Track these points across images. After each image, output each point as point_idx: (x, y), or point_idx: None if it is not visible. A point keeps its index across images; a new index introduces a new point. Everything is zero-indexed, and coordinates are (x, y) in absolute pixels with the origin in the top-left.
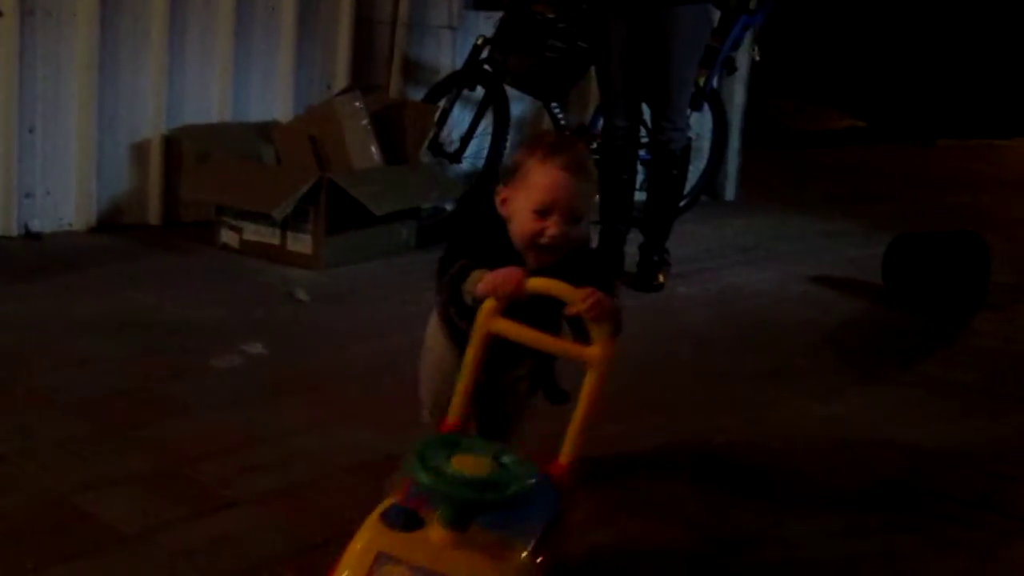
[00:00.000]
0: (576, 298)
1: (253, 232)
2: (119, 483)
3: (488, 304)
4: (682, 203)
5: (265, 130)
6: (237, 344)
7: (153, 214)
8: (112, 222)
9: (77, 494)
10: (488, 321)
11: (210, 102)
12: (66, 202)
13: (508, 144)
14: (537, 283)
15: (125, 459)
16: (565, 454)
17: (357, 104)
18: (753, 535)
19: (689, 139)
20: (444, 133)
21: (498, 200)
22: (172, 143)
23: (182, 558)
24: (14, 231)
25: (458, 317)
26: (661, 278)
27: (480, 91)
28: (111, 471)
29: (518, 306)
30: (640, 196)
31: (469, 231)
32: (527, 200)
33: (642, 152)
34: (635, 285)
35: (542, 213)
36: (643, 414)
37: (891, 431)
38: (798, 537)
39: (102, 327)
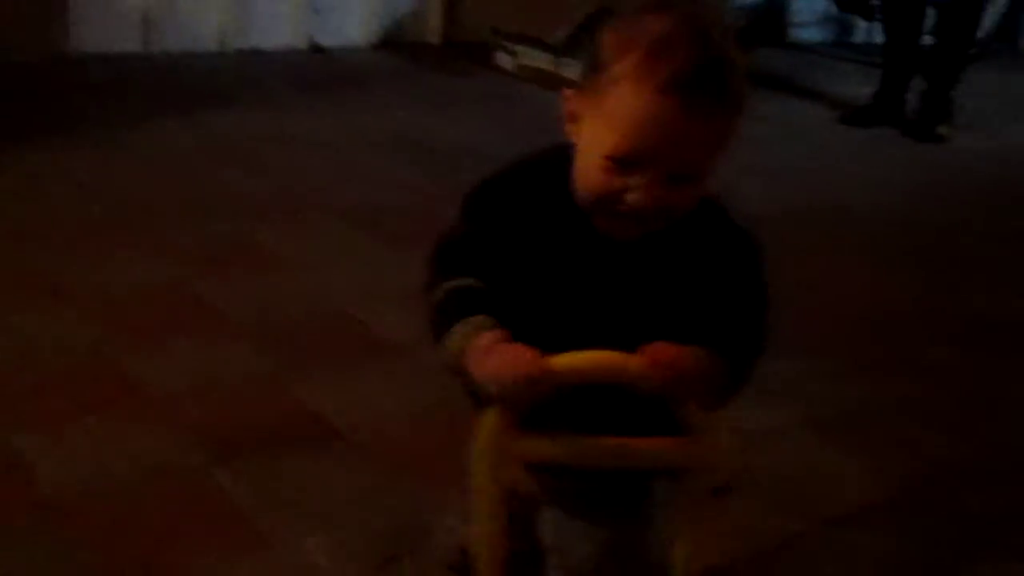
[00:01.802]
0: (634, 372)
1: (528, 57)
2: (391, 295)
3: (492, 421)
4: (972, 49)
5: None
6: None
7: (433, 33)
8: (394, 39)
9: (352, 304)
10: (498, 450)
11: None
12: (351, 18)
13: None
14: (564, 365)
15: (400, 273)
16: None
17: None
18: None
19: None
20: None
21: (565, 110)
22: None
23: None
24: (302, 45)
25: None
26: (943, 130)
27: None
28: (384, 283)
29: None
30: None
31: (506, 176)
32: (601, 133)
33: None
34: (913, 134)
35: (623, 164)
36: (906, 280)
37: None
38: None
39: (382, 144)
